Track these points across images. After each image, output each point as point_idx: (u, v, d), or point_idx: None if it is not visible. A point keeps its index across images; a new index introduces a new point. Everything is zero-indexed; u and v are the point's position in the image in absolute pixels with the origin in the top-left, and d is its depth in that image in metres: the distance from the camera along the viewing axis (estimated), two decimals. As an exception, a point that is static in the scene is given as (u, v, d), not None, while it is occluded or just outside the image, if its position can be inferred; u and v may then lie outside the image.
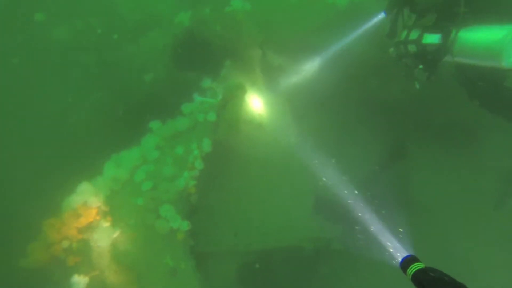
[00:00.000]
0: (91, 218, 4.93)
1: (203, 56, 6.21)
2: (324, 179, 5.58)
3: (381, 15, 3.91)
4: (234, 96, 5.44)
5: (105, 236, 4.80)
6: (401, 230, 4.65)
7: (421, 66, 2.90)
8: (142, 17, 6.81)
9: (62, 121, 5.85)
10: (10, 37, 6.39)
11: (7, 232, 5.28)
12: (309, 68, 6.01)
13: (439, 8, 2.88)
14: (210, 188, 5.14)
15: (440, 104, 5.47)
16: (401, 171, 6.08)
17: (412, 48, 3.00)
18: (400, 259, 2.06)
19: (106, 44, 6.55)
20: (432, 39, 2.88)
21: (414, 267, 1.94)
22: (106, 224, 4.89)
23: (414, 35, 3.01)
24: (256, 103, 5.60)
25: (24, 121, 5.75)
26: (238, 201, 5.23)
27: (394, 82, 5.46)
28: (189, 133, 5.18)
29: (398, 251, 3.68)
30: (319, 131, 5.83)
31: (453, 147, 5.70)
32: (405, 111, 5.86)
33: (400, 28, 3.20)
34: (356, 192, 5.31)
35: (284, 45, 6.00)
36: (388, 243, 4.00)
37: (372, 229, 4.73)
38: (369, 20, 4.72)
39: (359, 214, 5.20)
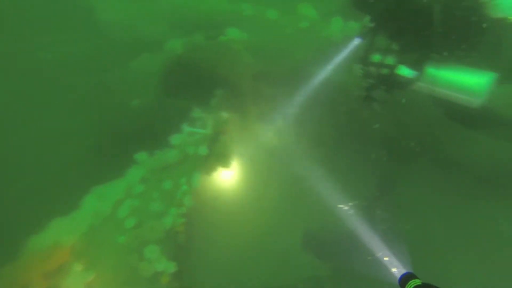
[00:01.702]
0: (62, 260, 4.28)
1: (194, 84, 5.84)
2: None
3: (357, 40, 3.74)
4: (225, 128, 5.08)
5: (78, 281, 4.17)
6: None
7: (384, 88, 3.05)
8: (133, 41, 6.41)
9: (40, 147, 5.23)
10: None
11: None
12: (301, 99, 5.77)
13: (422, 45, 2.99)
14: (199, 227, 4.66)
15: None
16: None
17: (384, 71, 3.09)
18: (398, 276, 2.15)
19: (95, 67, 6.07)
20: (407, 73, 3.06)
21: (412, 284, 2.02)
22: (79, 266, 4.27)
23: (390, 60, 3.12)
24: (247, 136, 5.24)
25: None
26: (229, 240, 4.76)
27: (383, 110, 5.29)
28: (178, 166, 4.73)
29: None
30: (312, 164, 5.51)
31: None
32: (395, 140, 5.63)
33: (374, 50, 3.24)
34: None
35: (278, 75, 5.74)
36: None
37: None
38: (347, 46, 4.54)
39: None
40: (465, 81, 2.94)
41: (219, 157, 4.73)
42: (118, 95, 6.01)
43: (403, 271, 2.22)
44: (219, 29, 5.55)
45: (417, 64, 3.00)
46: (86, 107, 5.87)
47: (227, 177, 4.85)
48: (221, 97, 5.85)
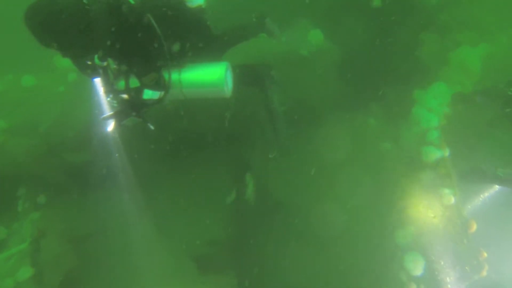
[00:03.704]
0: None
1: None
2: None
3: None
4: (46, 228, 4.04)
5: None
6: None
7: (134, 114, 2.85)
8: None
9: None
10: None
11: None
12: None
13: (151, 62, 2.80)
14: None
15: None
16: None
17: (130, 97, 2.84)
18: None
19: None
20: (153, 95, 2.87)
21: None
22: None
23: (134, 83, 2.82)
24: (76, 221, 4.31)
25: None
26: None
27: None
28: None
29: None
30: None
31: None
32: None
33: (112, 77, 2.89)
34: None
35: (73, 142, 4.84)
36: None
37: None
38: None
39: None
40: (206, 76, 2.91)
41: (53, 266, 3.73)
42: None
43: None
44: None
45: (158, 83, 2.80)
46: None
47: (74, 279, 3.90)
48: (27, 196, 4.67)
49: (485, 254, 4.02)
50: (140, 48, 2.69)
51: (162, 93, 2.82)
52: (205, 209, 5.13)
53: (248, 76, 3.50)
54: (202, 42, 3.02)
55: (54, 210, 4.41)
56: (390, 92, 5.44)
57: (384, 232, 4.36)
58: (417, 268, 3.91)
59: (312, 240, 4.81)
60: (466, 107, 4.66)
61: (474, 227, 4.03)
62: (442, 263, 3.99)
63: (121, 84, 2.75)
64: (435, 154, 4.38)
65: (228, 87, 2.99)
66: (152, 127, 2.88)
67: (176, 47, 2.84)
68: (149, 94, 2.79)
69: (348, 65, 5.74)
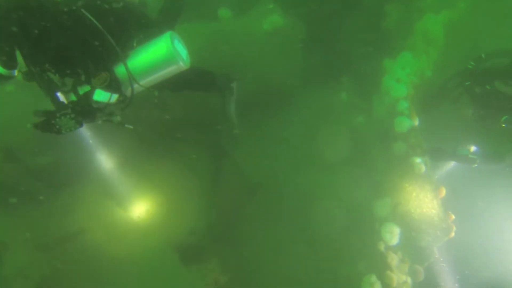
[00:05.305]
0: None
1: None
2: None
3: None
4: (11, 239, 3.68)
5: None
6: None
7: (73, 115, 2.39)
8: None
9: None
10: None
11: None
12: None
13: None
14: None
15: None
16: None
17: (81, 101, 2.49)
18: None
19: None
20: (106, 97, 2.52)
21: None
22: None
23: (84, 89, 2.52)
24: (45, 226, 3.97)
25: None
26: None
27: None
28: None
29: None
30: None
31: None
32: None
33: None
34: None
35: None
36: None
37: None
38: None
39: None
40: (154, 56, 2.55)
41: (20, 278, 3.41)
42: None
43: None
44: None
45: (110, 84, 2.46)
46: None
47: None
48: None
49: (453, 216, 4.11)
50: (82, 48, 2.35)
51: (116, 95, 2.51)
52: (184, 199, 4.96)
53: (209, 84, 3.37)
54: (147, 34, 2.67)
55: (18, 219, 4.04)
56: (359, 64, 5.34)
57: (363, 205, 4.35)
58: (393, 238, 3.94)
59: (290, 218, 4.76)
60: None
61: (443, 192, 4.09)
62: (417, 230, 4.05)
63: (72, 97, 2.44)
64: (406, 124, 4.35)
65: (182, 58, 2.60)
66: (131, 127, 2.62)
67: (123, 42, 2.50)
68: (101, 95, 2.44)
69: (314, 40, 5.55)
